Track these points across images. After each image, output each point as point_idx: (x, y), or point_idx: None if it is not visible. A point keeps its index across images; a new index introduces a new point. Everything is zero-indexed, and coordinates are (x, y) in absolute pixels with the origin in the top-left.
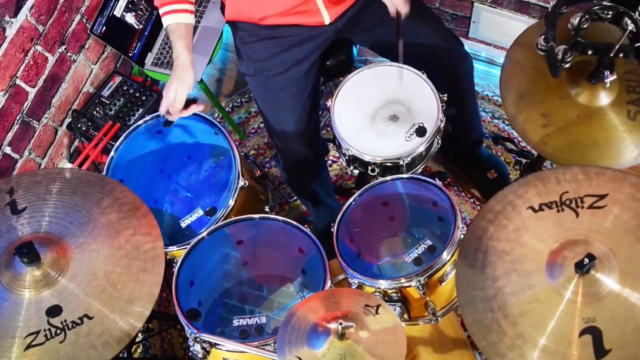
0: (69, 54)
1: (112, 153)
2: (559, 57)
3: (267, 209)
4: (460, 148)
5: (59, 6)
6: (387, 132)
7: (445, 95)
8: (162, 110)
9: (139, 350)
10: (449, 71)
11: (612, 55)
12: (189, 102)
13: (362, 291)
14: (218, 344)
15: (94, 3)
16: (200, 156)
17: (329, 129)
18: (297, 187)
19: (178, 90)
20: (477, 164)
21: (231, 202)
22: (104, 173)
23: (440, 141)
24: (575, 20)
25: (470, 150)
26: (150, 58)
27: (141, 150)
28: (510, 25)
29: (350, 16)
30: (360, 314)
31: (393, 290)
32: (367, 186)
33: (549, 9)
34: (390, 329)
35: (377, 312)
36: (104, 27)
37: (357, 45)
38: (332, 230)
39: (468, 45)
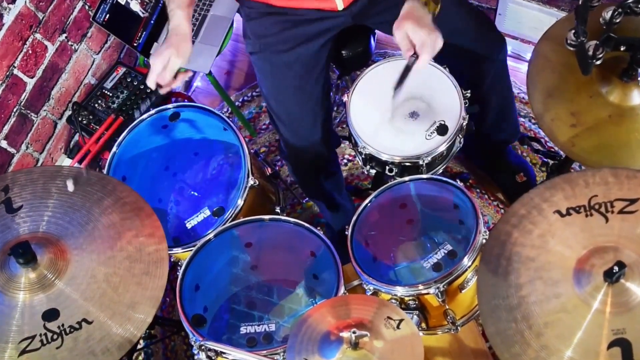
0: (69, 43)
1: (114, 149)
2: (590, 53)
3: (277, 209)
4: (487, 148)
5: None
6: (406, 130)
7: (469, 91)
8: (150, 82)
9: (140, 357)
10: (482, 58)
11: None
12: (176, 72)
13: (383, 300)
14: (224, 353)
15: None
16: (207, 153)
17: (344, 125)
18: (304, 182)
19: (172, 59)
20: (505, 166)
21: (240, 202)
22: (105, 169)
23: (462, 140)
24: (607, 14)
25: (500, 150)
26: (156, 48)
27: (145, 146)
28: (539, 19)
29: (366, 1)
30: (377, 323)
31: (410, 298)
32: (384, 187)
33: (580, 2)
34: (407, 339)
35: (398, 327)
36: (108, 15)
37: (375, 36)
38: (346, 233)
39: None
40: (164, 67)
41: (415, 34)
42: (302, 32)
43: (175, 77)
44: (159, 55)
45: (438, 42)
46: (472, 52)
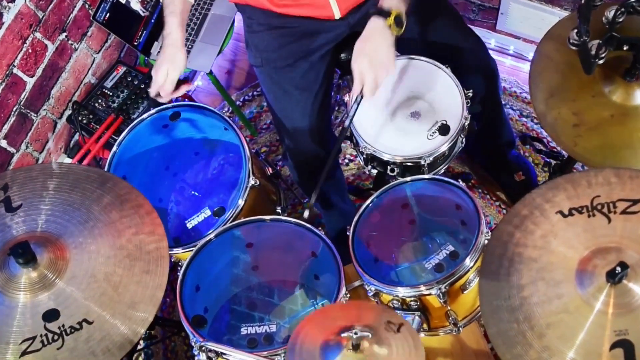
0: (70, 42)
1: (114, 148)
2: (593, 52)
3: (278, 209)
4: (489, 149)
5: None
6: (408, 129)
7: (471, 91)
8: (152, 92)
9: (140, 358)
10: (471, 73)
11: None
12: (179, 82)
13: (383, 306)
14: (225, 354)
15: None
16: (208, 153)
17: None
18: (308, 187)
19: (170, 72)
20: (503, 165)
21: (241, 202)
22: (105, 169)
23: (464, 140)
24: (610, 14)
25: (499, 152)
26: (156, 47)
27: (146, 146)
28: (541, 18)
29: (365, 12)
30: (379, 328)
31: (412, 299)
32: (386, 187)
33: (583, 1)
34: (408, 343)
35: (398, 331)
36: (108, 14)
37: None
38: (347, 233)
39: (495, 39)
40: (164, 79)
41: (367, 76)
42: (302, 48)
43: (177, 88)
44: (157, 69)
45: (388, 74)
46: (464, 65)
